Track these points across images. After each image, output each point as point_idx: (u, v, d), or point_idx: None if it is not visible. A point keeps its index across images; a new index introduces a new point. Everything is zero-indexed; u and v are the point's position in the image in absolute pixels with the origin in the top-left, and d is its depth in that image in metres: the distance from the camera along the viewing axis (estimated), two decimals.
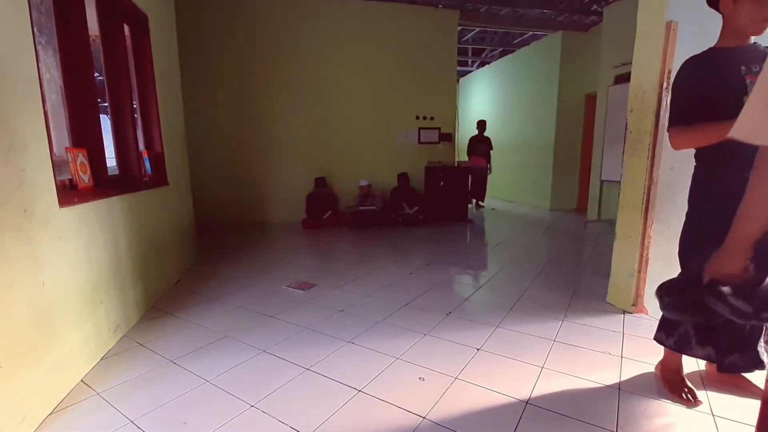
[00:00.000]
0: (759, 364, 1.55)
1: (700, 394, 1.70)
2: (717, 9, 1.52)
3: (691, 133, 1.46)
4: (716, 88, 1.45)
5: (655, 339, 1.78)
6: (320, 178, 6.03)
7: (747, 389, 1.73)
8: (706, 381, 1.83)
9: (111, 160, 2.52)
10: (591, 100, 6.75)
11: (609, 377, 1.86)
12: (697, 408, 1.62)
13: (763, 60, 1.44)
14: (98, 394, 1.76)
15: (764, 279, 0.98)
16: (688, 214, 1.66)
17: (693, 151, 1.61)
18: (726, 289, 1.00)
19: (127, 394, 1.76)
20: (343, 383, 1.82)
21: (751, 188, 0.86)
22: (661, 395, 1.71)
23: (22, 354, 1.49)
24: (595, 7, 6.60)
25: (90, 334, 1.98)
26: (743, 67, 1.44)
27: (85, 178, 2.13)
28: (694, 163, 1.62)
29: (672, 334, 1.68)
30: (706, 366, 1.88)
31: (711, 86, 1.46)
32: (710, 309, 1.08)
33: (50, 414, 1.61)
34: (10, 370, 1.42)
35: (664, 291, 1.35)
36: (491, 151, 7.46)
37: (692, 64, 1.53)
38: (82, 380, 1.86)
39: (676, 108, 1.53)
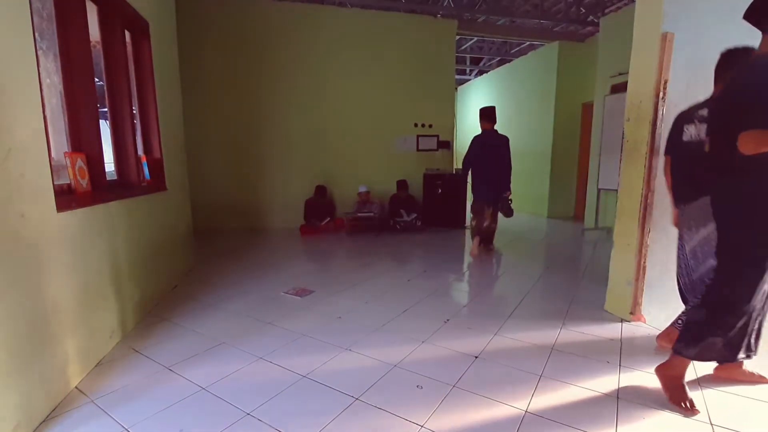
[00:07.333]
0: (752, 351, 1.70)
1: (697, 396, 1.72)
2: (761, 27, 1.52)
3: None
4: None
5: (674, 350, 1.75)
6: (321, 186, 6.02)
7: (744, 378, 1.85)
8: (701, 381, 1.86)
9: (110, 165, 2.52)
10: (588, 108, 6.81)
11: (607, 385, 1.85)
12: (695, 417, 1.62)
13: None
14: (93, 401, 1.74)
15: None
16: (726, 235, 1.63)
17: None
18: None
19: (122, 401, 1.74)
20: (341, 391, 1.81)
21: None
22: (660, 403, 1.71)
23: (16, 359, 1.47)
24: (591, 17, 6.70)
25: (85, 339, 1.96)
26: None
27: (83, 182, 2.12)
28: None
29: (695, 345, 1.68)
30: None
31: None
32: None
33: (43, 421, 1.59)
34: (4, 376, 1.40)
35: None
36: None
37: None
38: (76, 387, 1.84)
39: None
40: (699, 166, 1.86)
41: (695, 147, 1.98)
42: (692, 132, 2.02)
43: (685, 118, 2.09)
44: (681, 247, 2.17)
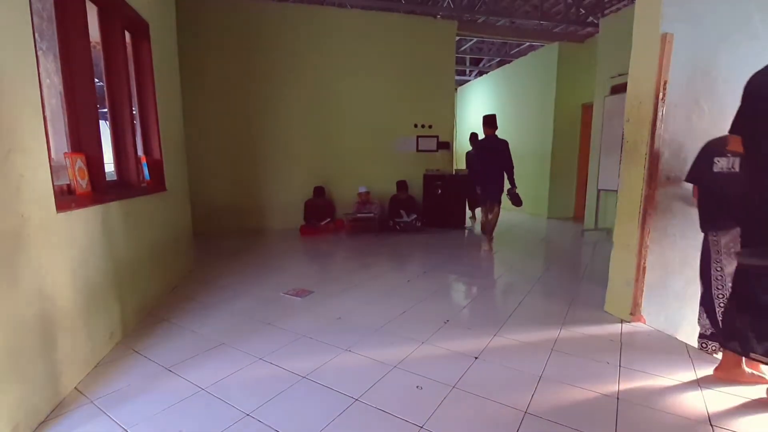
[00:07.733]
0: None
1: (697, 396, 1.73)
2: None
3: None
4: None
5: (749, 355, 1.75)
6: (319, 187, 6.03)
7: (743, 379, 1.86)
8: (701, 381, 1.87)
9: (110, 166, 2.52)
10: (587, 109, 6.81)
11: (607, 386, 1.85)
12: (696, 418, 1.62)
13: None
14: (92, 401, 1.74)
15: None
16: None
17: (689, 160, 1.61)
18: None
19: (121, 402, 1.74)
20: (340, 392, 1.81)
21: None
22: (660, 404, 1.71)
23: (16, 360, 1.47)
24: (591, 18, 6.71)
25: (85, 340, 1.96)
26: None
27: (83, 183, 2.12)
28: None
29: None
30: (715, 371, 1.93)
31: None
32: None
33: (43, 422, 1.59)
34: (3, 377, 1.40)
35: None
36: None
37: None
38: (75, 387, 1.84)
39: None
40: (733, 197, 1.87)
41: (727, 178, 1.99)
42: (723, 164, 2.02)
43: (715, 150, 2.07)
44: (719, 270, 2.11)
